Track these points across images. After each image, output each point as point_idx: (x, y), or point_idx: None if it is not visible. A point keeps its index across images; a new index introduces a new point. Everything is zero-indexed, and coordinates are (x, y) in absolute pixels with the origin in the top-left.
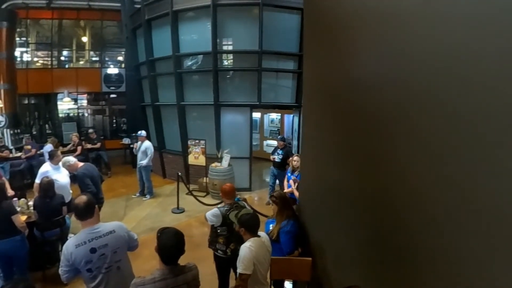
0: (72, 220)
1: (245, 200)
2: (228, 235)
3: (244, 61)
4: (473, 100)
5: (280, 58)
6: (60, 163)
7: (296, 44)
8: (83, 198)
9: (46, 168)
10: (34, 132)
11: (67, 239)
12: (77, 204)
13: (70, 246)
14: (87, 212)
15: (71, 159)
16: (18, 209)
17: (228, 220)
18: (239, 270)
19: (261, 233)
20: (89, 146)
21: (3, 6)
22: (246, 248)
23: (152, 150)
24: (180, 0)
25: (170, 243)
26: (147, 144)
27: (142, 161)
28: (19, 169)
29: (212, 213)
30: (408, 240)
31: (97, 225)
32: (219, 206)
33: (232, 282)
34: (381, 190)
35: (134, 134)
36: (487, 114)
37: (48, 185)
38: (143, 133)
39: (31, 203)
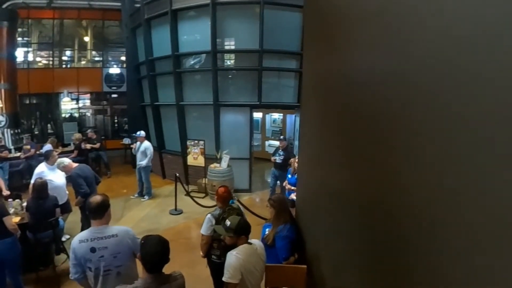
0: (66, 222)
1: (239, 201)
2: (222, 239)
3: (244, 60)
4: (478, 101)
5: (281, 57)
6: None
7: (297, 43)
8: (97, 199)
9: (41, 169)
10: (36, 132)
11: (61, 241)
12: (90, 203)
13: (75, 241)
14: (97, 213)
15: (65, 160)
16: (12, 210)
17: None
18: (224, 279)
19: (254, 240)
20: (88, 146)
21: (4, 6)
22: (233, 255)
23: (152, 150)
24: None
25: (154, 251)
26: (146, 144)
27: (142, 162)
28: (18, 169)
29: (205, 223)
30: (408, 247)
31: (103, 226)
32: (211, 211)
33: None
34: (381, 195)
35: (134, 134)
36: (493, 116)
37: (41, 186)
38: (142, 133)
39: (25, 204)
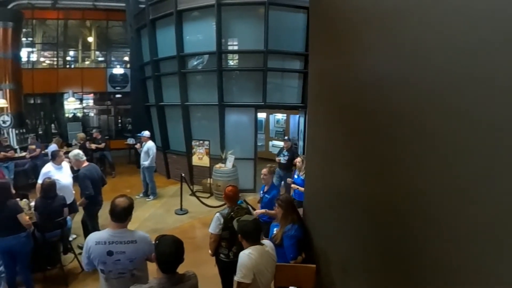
0: (73, 221)
1: (246, 201)
2: (230, 238)
3: (249, 61)
4: (484, 102)
5: (286, 57)
6: (63, 163)
7: (302, 44)
8: (123, 203)
9: (48, 169)
10: (40, 132)
11: (68, 240)
12: (116, 206)
13: (91, 241)
14: (121, 217)
15: (82, 155)
16: None
17: (230, 223)
18: (236, 278)
19: (266, 241)
20: (93, 146)
21: (9, 7)
22: (245, 255)
23: (155, 150)
24: (184, 0)
25: (169, 251)
26: (149, 144)
27: (145, 162)
28: (24, 169)
29: (214, 222)
30: (416, 248)
31: (123, 230)
32: (220, 210)
33: None
34: (389, 195)
35: (138, 134)
36: (499, 115)
37: (50, 186)
38: (145, 133)
39: (32, 203)
